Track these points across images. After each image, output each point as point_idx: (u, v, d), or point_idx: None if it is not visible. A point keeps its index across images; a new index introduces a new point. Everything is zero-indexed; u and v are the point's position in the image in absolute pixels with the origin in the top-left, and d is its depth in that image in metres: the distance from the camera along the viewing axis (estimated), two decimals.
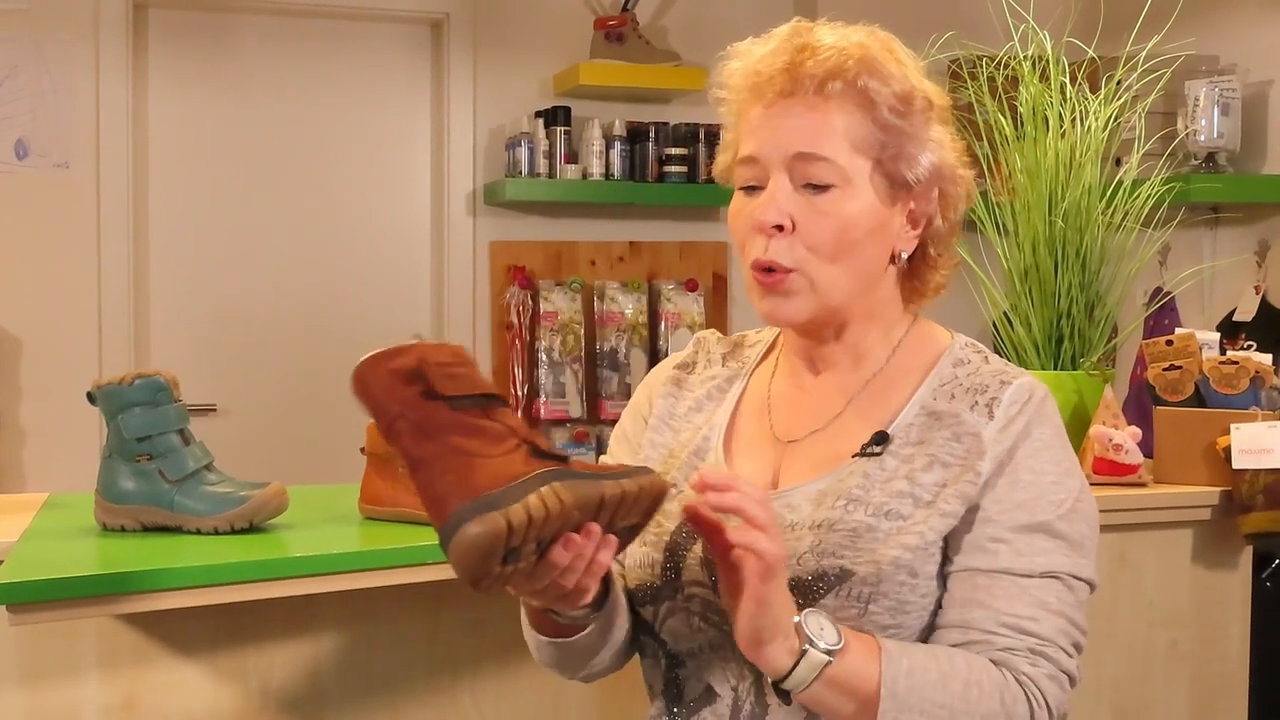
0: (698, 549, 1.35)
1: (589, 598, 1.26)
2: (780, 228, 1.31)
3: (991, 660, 1.26)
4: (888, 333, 1.41)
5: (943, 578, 1.31)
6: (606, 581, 1.33)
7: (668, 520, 1.38)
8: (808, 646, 1.20)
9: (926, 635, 1.32)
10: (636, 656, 1.45)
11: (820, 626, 1.21)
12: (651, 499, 1.21)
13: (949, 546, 1.31)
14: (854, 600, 1.27)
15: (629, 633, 1.41)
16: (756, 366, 1.49)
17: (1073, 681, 1.29)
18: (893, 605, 1.28)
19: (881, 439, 1.34)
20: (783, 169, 1.32)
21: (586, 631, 1.34)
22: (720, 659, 1.35)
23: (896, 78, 1.33)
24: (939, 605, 1.31)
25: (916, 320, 1.44)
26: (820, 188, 1.32)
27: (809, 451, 1.39)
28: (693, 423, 1.47)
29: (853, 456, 1.35)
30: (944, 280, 1.43)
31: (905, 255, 1.38)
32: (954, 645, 1.28)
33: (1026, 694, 1.26)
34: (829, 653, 1.20)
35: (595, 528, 1.17)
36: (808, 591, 1.28)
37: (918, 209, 1.37)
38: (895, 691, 1.22)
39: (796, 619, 1.21)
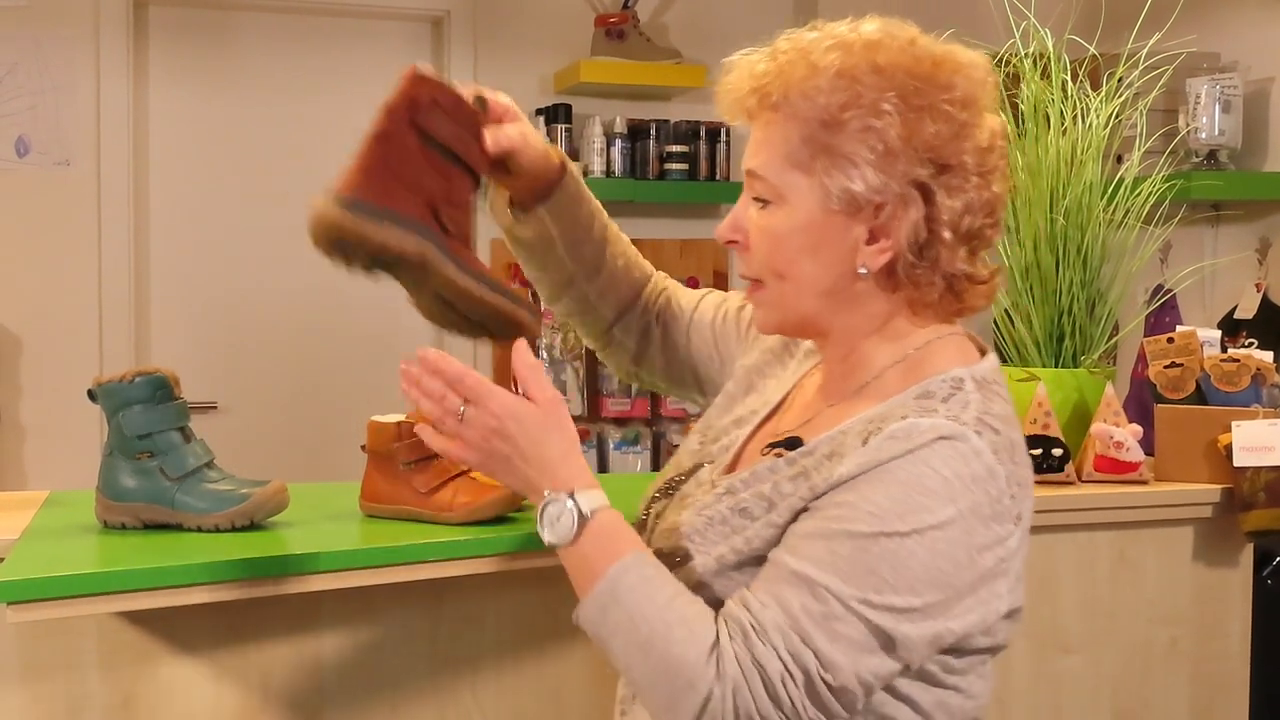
0: (671, 519, 1.40)
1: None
2: (734, 242, 1.38)
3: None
4: (894, 347, 1.35)
5: None
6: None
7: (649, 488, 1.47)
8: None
9: None
10: None
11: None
12: (501, 322, 1.47)
13: None
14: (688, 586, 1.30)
15: (602, 264, 1.61)
16: (817, 364, 1.49)
17: (778, 704, 1.17)
18: (715, 600, 1.26)
19: (793, 444, 1.35)
20: (747, 185, 1.37)
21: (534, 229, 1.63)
22: None
23: (826, 91, 1.27)
24: None
25: (932, 342, 1.34)
26: (762, 204, 1.34)
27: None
28: (757, 389, 1.52)
29: (771, 453, 1.37)
30: (979, 297, 1.34)
31: (865, 270, 1.30)
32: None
33: (717, 660, 1.19)
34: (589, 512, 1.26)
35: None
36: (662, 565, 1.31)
37: (879, 225, 1.29)
38: (619, 581, 1.24)
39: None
